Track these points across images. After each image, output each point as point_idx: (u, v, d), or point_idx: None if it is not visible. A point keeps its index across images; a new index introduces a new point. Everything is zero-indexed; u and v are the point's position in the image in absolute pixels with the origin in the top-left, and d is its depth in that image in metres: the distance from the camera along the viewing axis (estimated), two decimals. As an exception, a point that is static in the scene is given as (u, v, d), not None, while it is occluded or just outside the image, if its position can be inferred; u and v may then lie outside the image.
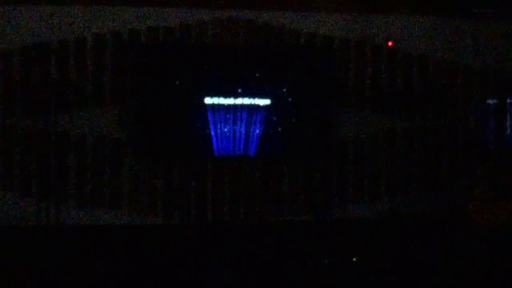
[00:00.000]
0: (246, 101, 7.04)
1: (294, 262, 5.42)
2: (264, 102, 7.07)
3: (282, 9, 7.17)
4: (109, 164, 6.97)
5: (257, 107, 7.05)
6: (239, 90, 7.01)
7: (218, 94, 6.98)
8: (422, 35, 7.44)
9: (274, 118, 7.09)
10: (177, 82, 6.91)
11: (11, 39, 6.79)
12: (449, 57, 7.50)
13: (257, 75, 7.04)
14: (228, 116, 7.02)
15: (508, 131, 7.32)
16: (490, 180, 6.94)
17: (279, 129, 7.12)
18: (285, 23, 7.19)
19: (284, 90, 7.09)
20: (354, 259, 5.42)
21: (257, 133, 7.07)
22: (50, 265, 5.40)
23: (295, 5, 7.19)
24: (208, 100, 6.96)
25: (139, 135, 6.90)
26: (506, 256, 5.83)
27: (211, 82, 6.96)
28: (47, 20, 6.83)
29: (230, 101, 7.01)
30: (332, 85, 7.20)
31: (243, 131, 7.05)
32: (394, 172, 7.43)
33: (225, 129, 7.02)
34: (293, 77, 7.12)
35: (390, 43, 7.33)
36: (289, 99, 7.10)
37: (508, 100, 7.06)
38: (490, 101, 7.42)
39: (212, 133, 6.99)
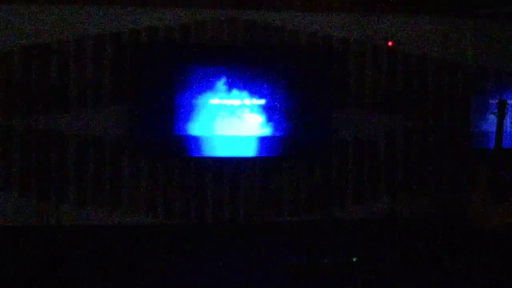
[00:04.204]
0: (246, 101, 7.04)
1: (294, 262, 5.42)
2: (264, 102, 7.07)
3: (282, 9, 7.17)
4: (109, 164, 6.98)
5: (257, 107, 7.05)
6: (239, 90, 7.01)
7: (217, 94, 6.98)
8: (422, 35, 7.44)
9: (274, 118, 7.08)
10: (177, 82, 6.91)
11: (11, 39, 6.79)
12: (449, 57, 7.50)
13: (257, 75, 7.03)
14: (227, 116, 7.02)
15: (508, 131, 7.32)
16: (490, 180, 6.94)
17: (279, 129, 7.11)
18: (285, 23, 7.20)
19: (284, 90, 7.09)
20: (354, 259, 5.42)
21: (257, 133, 7.07)
22: (50, 265, 5.41)
23: (295, 5, 7.19)
24: (207, 100, 6.96)
25: (139, 135, 6.89)
26: (507, 257, 5.84)
27: (210, 82, 6.96)
28: (47, 20, 6.83)
29: (229, 101, 7.01)
30: (332, 85, 7.20)
31: (244, 131, 7.05)
32: (394, 172, 7.43)
33: (225, 129, 7.02)
34: (293, 77, 7.11)
35: (390, 43, 7.33)
36: (289, 99, 7.10)
37: (508, 100, 7.06)
38: (490, 101, 7.42)
39: (212, 133, 7.00)
